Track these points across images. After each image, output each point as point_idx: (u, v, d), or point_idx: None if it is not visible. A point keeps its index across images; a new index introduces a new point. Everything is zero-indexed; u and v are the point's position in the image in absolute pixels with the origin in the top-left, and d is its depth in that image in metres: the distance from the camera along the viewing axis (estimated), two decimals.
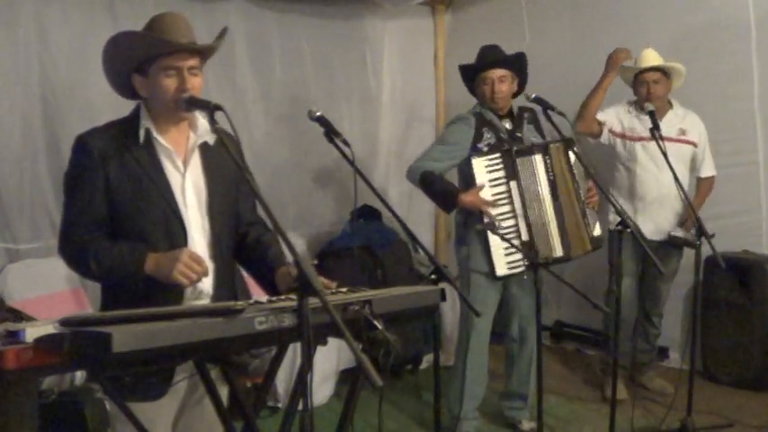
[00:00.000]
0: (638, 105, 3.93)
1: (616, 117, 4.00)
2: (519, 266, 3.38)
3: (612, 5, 4.67)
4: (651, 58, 3.90)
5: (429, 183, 3.47)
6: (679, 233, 3.87)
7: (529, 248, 3.31)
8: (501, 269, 3.37)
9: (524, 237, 3.35)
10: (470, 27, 5.55)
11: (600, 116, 3.95)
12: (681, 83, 3.97)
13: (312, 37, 5.07)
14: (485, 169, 3.36)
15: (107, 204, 2.03)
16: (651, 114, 3.59)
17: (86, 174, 2.02)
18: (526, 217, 3.36)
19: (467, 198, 3.38)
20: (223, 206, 2.16)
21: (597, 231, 3.56)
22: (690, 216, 4.04)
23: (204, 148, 2.14)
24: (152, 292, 1.97)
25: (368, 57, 5.44)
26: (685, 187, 3.96)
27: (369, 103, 5.47)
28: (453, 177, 3.69)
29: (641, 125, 3.91)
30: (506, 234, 3.26)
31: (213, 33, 2.19)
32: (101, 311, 2.09)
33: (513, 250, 3.31)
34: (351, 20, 5.30)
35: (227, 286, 2.17)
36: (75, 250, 2.03)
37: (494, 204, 3.35)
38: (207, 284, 2.07)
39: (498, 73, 3.48)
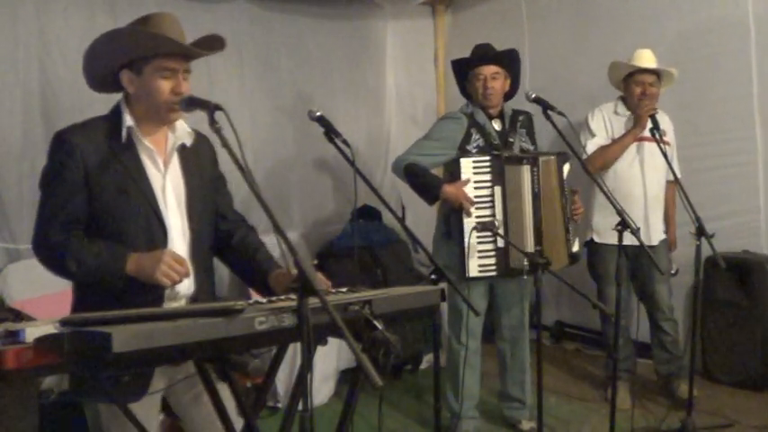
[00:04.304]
0: (629, 105, 3.86)
1: (605, 128, 3.90)
2: (491, 271, 3.35)
3: (612, 6, 4.67)
4: (647, 58, 3.83)
5: (413, 173, 3.46)
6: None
7: (504, 256, 3.30)
8: (473, 271, 3.33)
9: (500, 243, 3.32)
10: (470, 27, 5.56)
11: (598, 138, 3.86)
12: (667, 88, 3.92)
13: (315, 38, 5.08)
14: (471, 170, 3.35)
15: (87, 203, 1.99)
16: (652, 116, 3.59)
17: (66, 171, 1.98)
18: (505, 224, 3.34)
19: (450, 189, 3.35)
20: (202, 207, 2.16)
21: (576, 247, 3.51)
22: (673, 240, 4.03)
23: (181, 149, 2.14)
24: (130, 292, 1.95)
25: (370, 57, 5.45)
26: (662, 190, 3.93)
27: (371, 102, 5.49)
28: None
29: (629, 126, 3.83)
30: (484, 238, 3.27)
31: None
32: (72, 312, 2.04)
33: (488, 253, 3.31)
34: (353, 20, 5.32)
35: (206, 287, 2.16)
36: (51, 249, 1.98)
37: (474, 204, 3.32)
38: (185, 285, 2.05)
39: (490, 69, 3.47)
